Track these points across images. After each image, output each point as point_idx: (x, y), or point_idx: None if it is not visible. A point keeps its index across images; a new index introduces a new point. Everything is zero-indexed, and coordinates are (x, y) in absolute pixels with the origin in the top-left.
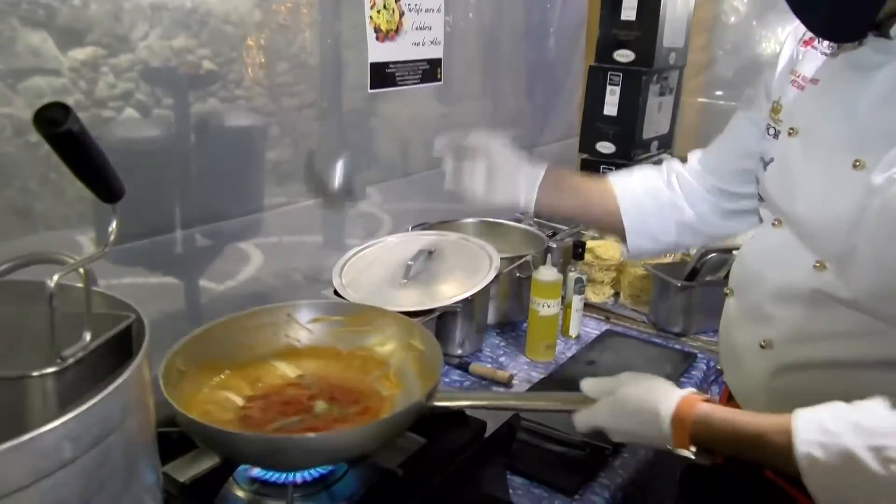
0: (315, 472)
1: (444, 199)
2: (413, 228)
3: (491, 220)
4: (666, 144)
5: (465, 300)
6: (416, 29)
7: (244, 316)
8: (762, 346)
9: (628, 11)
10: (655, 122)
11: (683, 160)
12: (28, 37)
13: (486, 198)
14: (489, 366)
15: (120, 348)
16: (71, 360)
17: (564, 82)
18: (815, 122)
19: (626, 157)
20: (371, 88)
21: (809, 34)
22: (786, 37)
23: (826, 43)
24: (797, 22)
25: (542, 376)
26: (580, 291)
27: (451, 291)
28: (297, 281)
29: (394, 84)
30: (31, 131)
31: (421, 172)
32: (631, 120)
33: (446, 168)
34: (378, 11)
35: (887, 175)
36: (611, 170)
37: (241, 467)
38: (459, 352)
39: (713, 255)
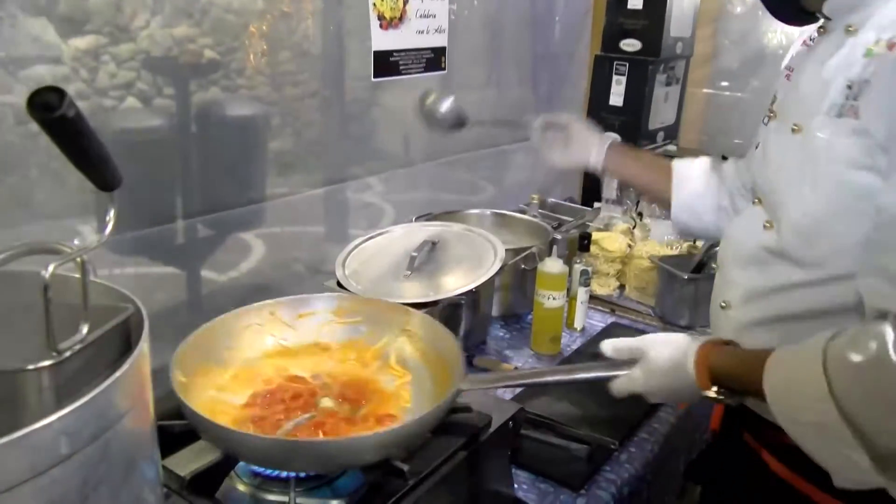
0: None
1: (448, 189)
2: (417, 219)
3: (496, 211)
4: (672, 135)
5: (470, 292)
6: (420, 17)
7: (230, 317)
8: (722, 307)
9: (635, 0)
10: (662, 112)
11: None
12: (29, 24)
13: (564, 159)
14: (494, 358)
15: (118, 340)
16: (67, 354)
17: (569, 72)
18: (782, 102)
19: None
20: (374, 77)
21: (808, 33)
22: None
23: (810, 37)
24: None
25: None
26: (586, 284)
27: (455, 283)
28: (300, 272)
29: (397, 73)
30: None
31: (423, 163)
32: (637, 110)
33: (535, 139)
34: None
35: (814, 131)
36: None
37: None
38: (464, 344)
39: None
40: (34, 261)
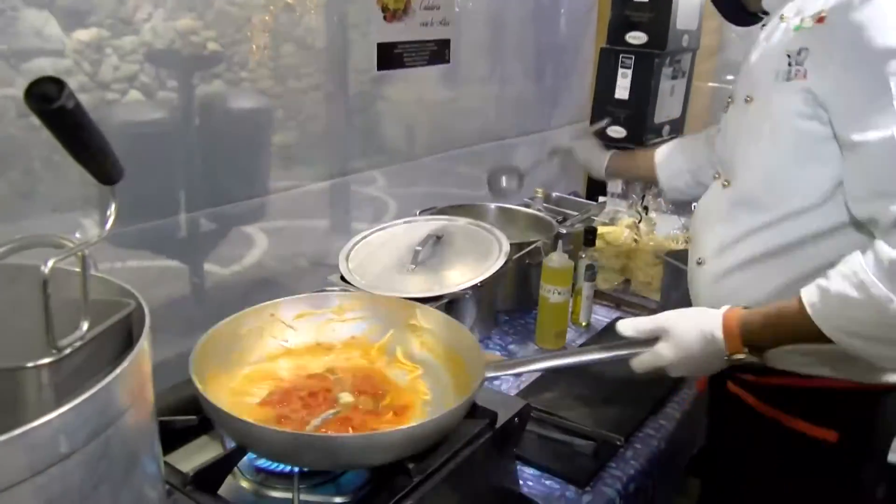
0: None
1: (452, 183)
2: (421, 213)
3: (500, 205)
4: (678, 129)
5: (474, 286)
6: (425, 9)
7: (232, 321)
8: (699, 264)
9: None
10: (667, 105)
11: None
12: (31, 17)
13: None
14: (498, 353)
15: (120, 336)
16: (67, 350)
17: (575, 65)
18: (736, 87)
19: (638, 141)
20: (378, 69)
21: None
22: None
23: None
24: None
25: None
26: (591, 278)
27: (459, 277)
28: (303, 266)
29: (401, 65)
30: None
31: (427, 157)
32: (643, 103)
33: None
34: None
35: (769, 96)
36: None
37: (247, 457)
38: None
39: None
40: (35, 255)
